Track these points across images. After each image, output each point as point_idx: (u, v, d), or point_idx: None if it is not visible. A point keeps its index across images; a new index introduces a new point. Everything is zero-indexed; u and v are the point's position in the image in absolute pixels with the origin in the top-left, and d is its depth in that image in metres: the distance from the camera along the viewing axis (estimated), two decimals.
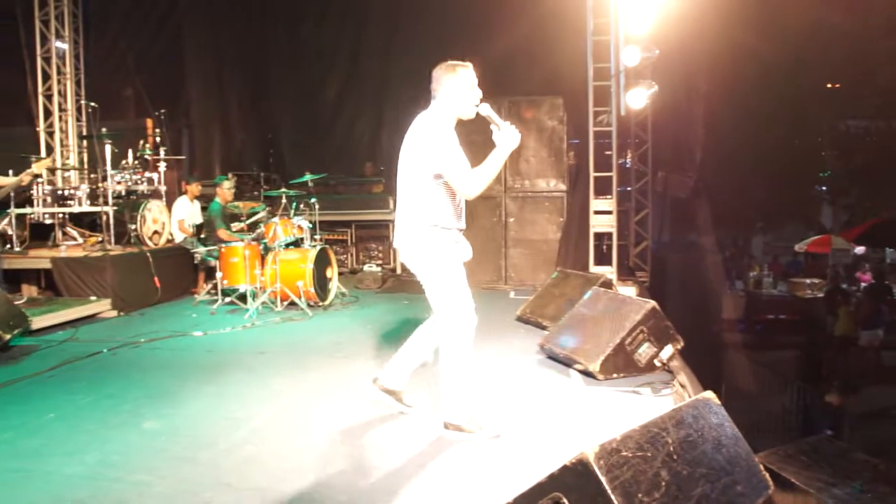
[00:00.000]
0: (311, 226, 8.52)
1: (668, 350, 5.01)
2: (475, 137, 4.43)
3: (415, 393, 4.41)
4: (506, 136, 3.75)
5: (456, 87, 3.83)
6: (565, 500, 2.20)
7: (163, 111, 10.53)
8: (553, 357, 5.43)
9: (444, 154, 3.71)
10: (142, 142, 9.86)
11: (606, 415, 4.22)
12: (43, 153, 11.00)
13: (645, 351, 4.95)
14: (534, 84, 9.90)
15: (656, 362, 4.98)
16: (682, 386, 4.55)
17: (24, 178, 7.65)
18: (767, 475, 2.49)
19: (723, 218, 10.54)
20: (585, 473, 2.15)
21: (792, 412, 9.60)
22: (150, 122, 11.21)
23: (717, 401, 2.52)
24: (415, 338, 4.22)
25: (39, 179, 8.91)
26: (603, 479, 2.12)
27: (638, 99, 8.11)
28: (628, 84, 8.27)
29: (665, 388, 4.57)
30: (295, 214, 8.44)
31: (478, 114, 3.86)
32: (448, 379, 3.89)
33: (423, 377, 4.45)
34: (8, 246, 8.48)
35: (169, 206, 9.51)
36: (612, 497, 2.09)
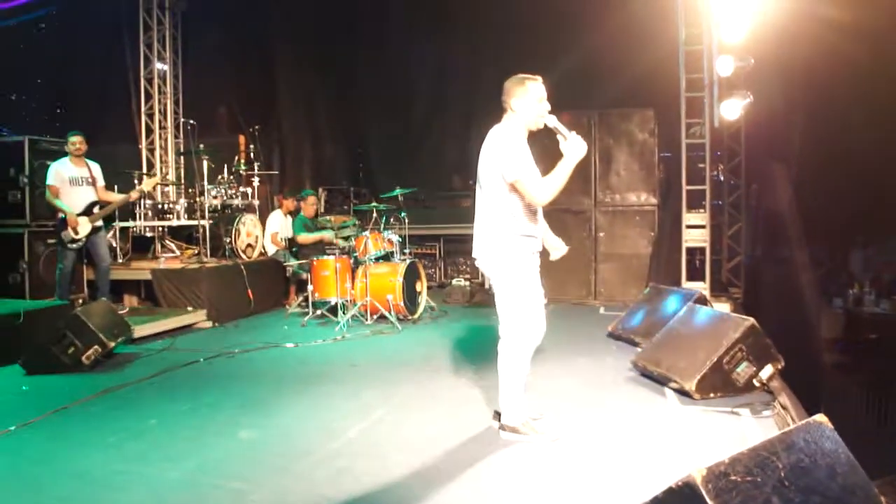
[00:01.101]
0: (400, 240, 8.61)
1: (768, 370, 4.83)
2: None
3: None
4: (573, 146, 3.85)
5: (525, 100, 3.96)
6: None
7: (256, 127, 10.85)
8: (647, 375, 5.31)
9: (516, 163, 3.85)
10: (236, 157, 10.20)
11: (705, 436, 4.09)
12: (144, 169, 11.50)
13: (743, 370, 4.79)
14: (623, 95, 9.77)
15: (755, 382, 4.81)
16: (784, 408, 4.37)
17: (133, 194, 8.01)
18: None
19: (820, 232, 10.10)
20: (692, 497, 2.08)
21: None
22: (242, 139, 11.57)
23: (829, 425, 2.40)
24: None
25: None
26: None
27: (732, 110, 7.91)
28: (722, 95, 8.08)
29: (765, 410, 4.40)
30: (385, 228, 8.55)
31: (546, 125, 3.98)
32: (506, 383, 4.06)
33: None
34: (112, 258, 8.88)
35: (262, 219, 9.79)
36: None
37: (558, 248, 4.33)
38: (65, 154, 7.68)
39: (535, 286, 4.04)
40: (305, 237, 8.87)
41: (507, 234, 3.96)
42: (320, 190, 11.33)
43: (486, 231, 4.06)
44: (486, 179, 4.02)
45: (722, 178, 10.06)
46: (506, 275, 4.00)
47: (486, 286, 10.52)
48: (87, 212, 7.46)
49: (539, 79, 4.02)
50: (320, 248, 8.93)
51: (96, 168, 7.69)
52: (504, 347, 4.05)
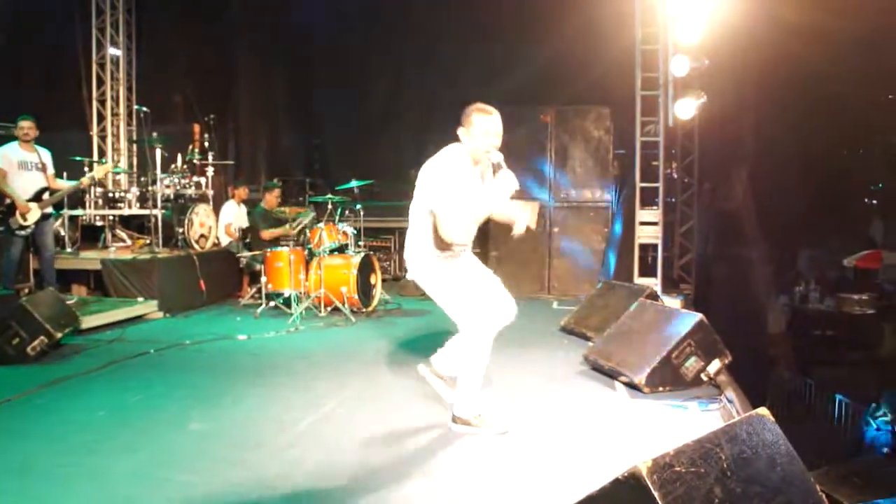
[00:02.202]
0: (355, 232, 8.57)
1: (716, 364, 4.94)
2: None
3: None
4: (521, 214, 3.97)
5: (471, 131, 3.92)
6: None
7: (212, 116, 10.70)
8: (598, 369, 5.39)
9: (440, 194, 3.84)
10: (190, 146, 10.05)
11: (653, 428, 4.17)
12: (95, 156, 11.26)
13: (692, 364, 4.89)
14: (581, 94, 9.86)
15: (703, 376, 4.91)
16: (730, 401, 4.48)
17: (84, 181, 7.84)
18: (824, 496, 2.43)
19: (769, 231, 10.32)
20: (638, 488, 2.12)
21: (841, 431, 9.35)
22: (197, 127, 11.39)
23: (771, 417, 2.47)
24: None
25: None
26: (656, 495, 2.08)
27: (686, 109, 8.04)
28: (676, 94, 8.20)
29: (712, 403, 4.50)
30: (340, 220, 8.51)
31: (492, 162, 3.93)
32: (467, 375, 4.06)
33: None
34: (60, 247, 8.68)
35: (216, 210, 9.66)
36: None
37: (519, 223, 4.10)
38: (12, 138, 7.49)
39: (471, 278, 4.10)
40: (271, 233, 8.76)
41: (428, 246, 3.99)
42: (276, 180, 11.23)
43: (413, 243, 4.09)
44: (418, 196, 4.03)
45: (675, 176, 10.23)
46: (437, 283, 4.06)
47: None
48: (37, 198, 7.29)
49: (492, 113, 3.95)
50: (275, 240, 8.86)
51: (46, 154, 7.51)
52: (466, 341, 4.05)
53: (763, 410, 2.49)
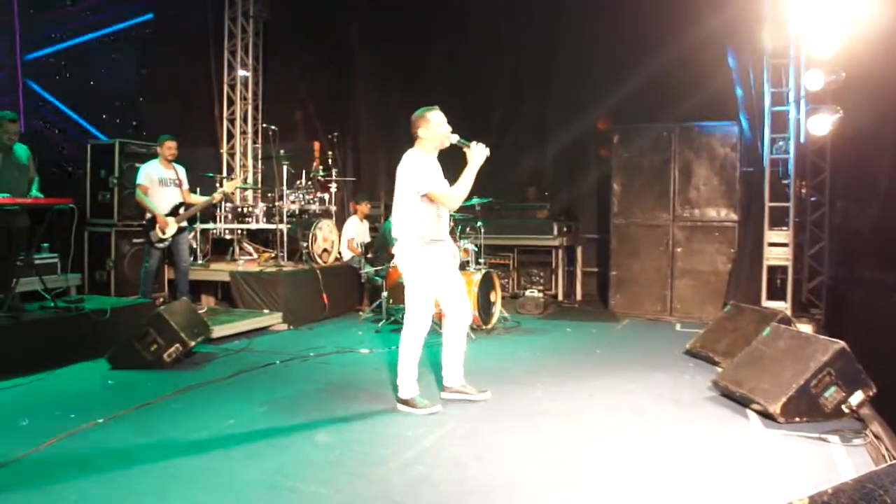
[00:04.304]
0: (476, 249, 8.60)
1: (858, 396, 4.64)
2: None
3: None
4: (476, 153, 4.88)
5: (429, 128, 4.93)
6: None
7: (336, 134, 11.01)
8: (728, 395, 5.17)
9: (426, 178, 4.79)
10: (314, 163, 10.37)
11: (791, 462, 3.94)
12: (224, 173, 11.80)
13: (832, 395, 4.61)
14: (705, 109, 9.54)
15: (844, 408, 4.62)
16: (877, 437, 4.19)
17: (216, 196, 8.22)
18: None
19: None
20: None
21: None
22: (317, 145, 11.75)
23: None
24: (445, 340, 5.13)
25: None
26: None
27: (821, 125, 7.68)
28: (809, 109, 7.84)
29: (856, 438, 4.22)
30: (461, 237, 8.56)
31: (451, 143, 4.95)
32: (400, 362, 4.90)
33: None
34: (192, 259, 9.12)
35: (338, 225, 9.91)
36: None
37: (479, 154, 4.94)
38: (153, 156, 7.94)
39: (440, 283, 4.93)
40: None
41: (417, 238, 4.83)
42: None
43: (398, 235, 4.93)
44: (398, 192, 4.92)
45: (804, 195, 9.76)
46: (413, 274, 4.87)
47: (561, 299, 10.49)
48: (174, 213, 7.70)
49: (436, 108, 5.00)
50: None
51: (182, 171, 7.92)
52: (405, 333, 4.90)
53: None
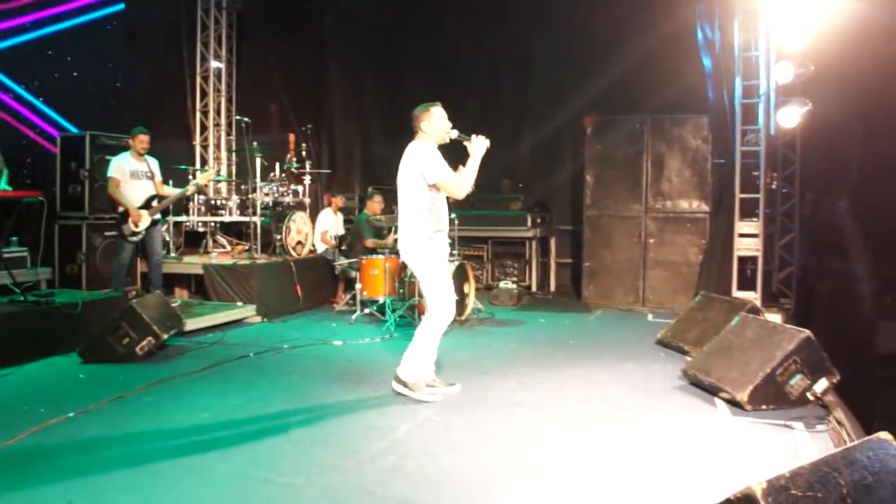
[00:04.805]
0: (450, 241, 8.60)
1: (823, 383, 4.74)
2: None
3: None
4: (477, 145, 4.95)
5: (431, 122, 4.98)
6: None
7: (309, 126, 10.97)
8: (697, 384, 5.25)
9: (435, 168, 4.86)
10: (288, 155, 10.33)
11: (757, 448, 4.04)
12: (198, 165, 11.72)
13: (797, 383, 4.71)
14: (677, 102, 9.63)
15: (809, 395, 4.72)
16: (840, 423, 4.28)
17: (190, 189, 8.16)
18: None
19: (876, 244, 9.84)
20: None
21: None
22: (292, 137, 11.68)
23: (894, 442, 2.35)
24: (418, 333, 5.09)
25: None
26: None
27: (790, 117, 7.79)
28: (778, 102, 7.95)
29: (819, 424, 4.33)
30: None
31: (451, 138, 5.01)
32: (418, 346, 4.96)
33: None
34: (165, 251, 9.06)
35: (312, 217, 9.89)
36: None
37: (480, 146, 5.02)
38: (124, 149, 7.87)
39: (446, 273, 5.04)
40: (375, 242, 8.89)
41: (423, 229, 4.90)
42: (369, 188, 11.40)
43: (405, 228, 4.99)
44: (405, 185, 4.98)
45: (774, 187, 9.88)
46: (427, 264, 4.94)
47: (534, 290, 10.56)
48: (147, 205, 7.63)
49: (439, 104, 5.04)
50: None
51: (154, 163, 7.86)
52: (429, 319, 4.97)
53: (885, 434, 2.38)
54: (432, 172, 4.85)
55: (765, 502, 2.06)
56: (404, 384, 4.99)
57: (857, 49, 8.65)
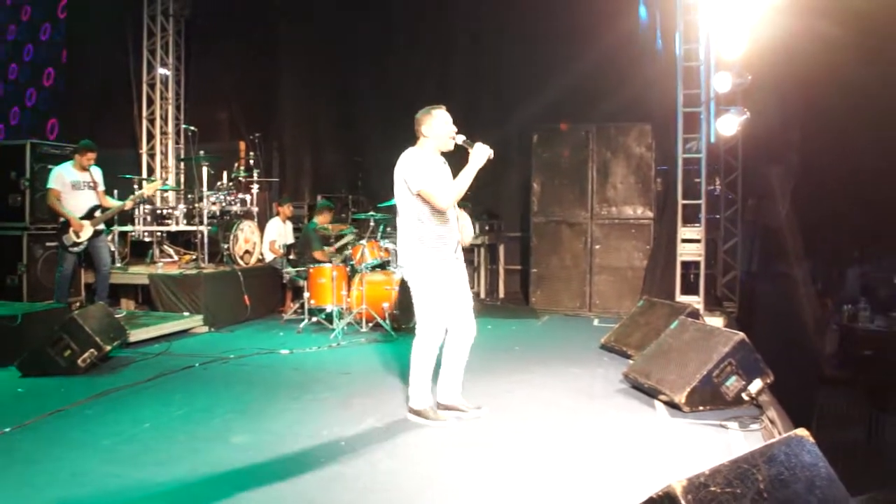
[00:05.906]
0: (396, 249, 8.63)
1: (757, 384, 4.87)
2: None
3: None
4: (477, 152, 4.50)
5: (433, 126, 4.62)
6: None
7: (257, 135, 10.90)
8: (637, 387, 5.36)
9: (418, 176, 4.48)
10: (236, 164, 10.25)
11: (692, 448, 4.14)
12: (144, 174, 11.56)
13: (732, 384, 4.83)
14: (622, 110, 9.82)
15: (744, 396, 4.85)
16: (772, 422, 4.42)
17: (128, 204, 8.05)
18: None
19: (816, 248, 10.12)
20: None
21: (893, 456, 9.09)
22: (242, 145, 11.60)
23: (810, 439, 2.45)
24: (445, 354, 4.81)
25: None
26: None
27: (729, 126, 7.98)
28: (719, 110, 8.15)
29: (753, 423, 4.44)
30: (382, 237, 8.60)
31: (456, 144, 4.65)
32: (412, 372, 4.67)
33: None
34: (111, 262, 8.91)
35: (260, 226, 9.82)
36: None
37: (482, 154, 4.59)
38: (67, 159, 7.73)
39: (448, 290, 4.61)
40: (324, 252, 8.87)
41: (418, 240, 4.56)
42: (318, 198, 11.36)
43: (399, 240, 4.71)
44: (396, 194, 4.66)
45: (718, 193, 10.11)
46: (418, 279, 4.60)
47: (483, 297, 10.61)
48: (89, 216, 7.50)
49: (443, 107, 4.68)
50: None
51: (98, 173, 7.73)
52: (416, 342, 4.64)
53: (802, 431, 2.47)
54: (415, 180, 4.50)
55: (685, 499, 2.13)
56: (416, 413, 4.70)
57: (794, 58, 8.91)
